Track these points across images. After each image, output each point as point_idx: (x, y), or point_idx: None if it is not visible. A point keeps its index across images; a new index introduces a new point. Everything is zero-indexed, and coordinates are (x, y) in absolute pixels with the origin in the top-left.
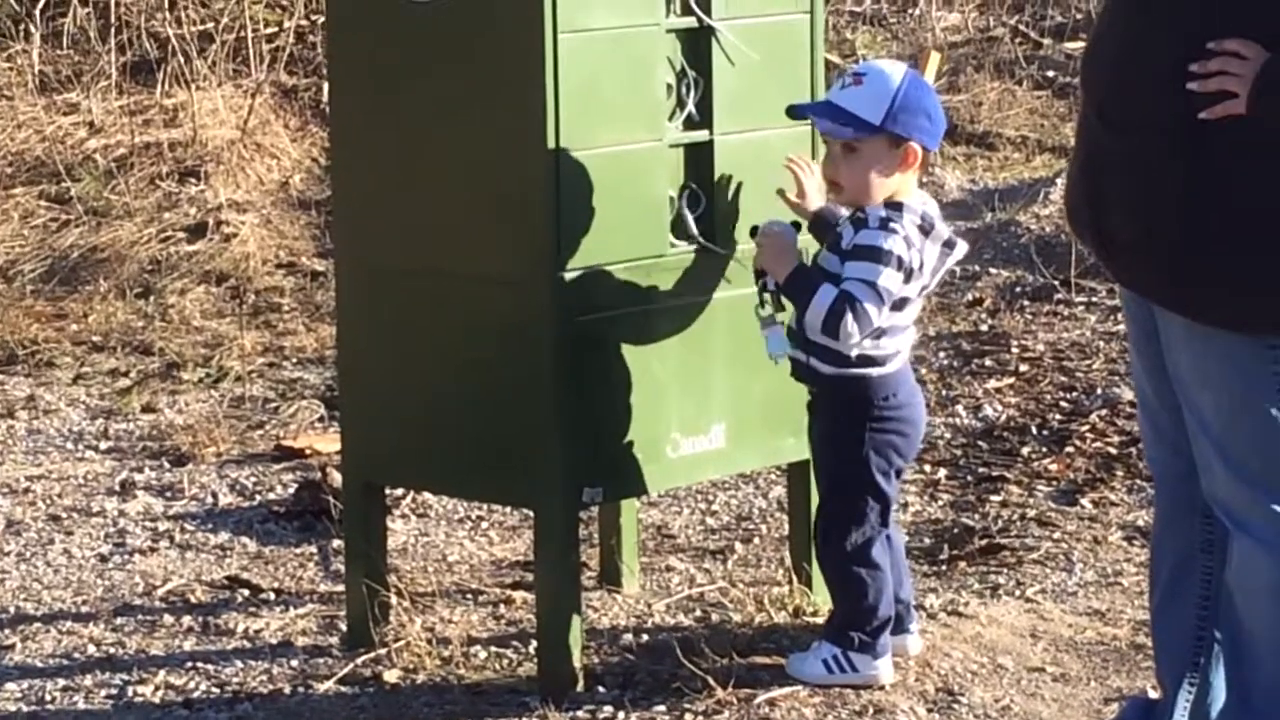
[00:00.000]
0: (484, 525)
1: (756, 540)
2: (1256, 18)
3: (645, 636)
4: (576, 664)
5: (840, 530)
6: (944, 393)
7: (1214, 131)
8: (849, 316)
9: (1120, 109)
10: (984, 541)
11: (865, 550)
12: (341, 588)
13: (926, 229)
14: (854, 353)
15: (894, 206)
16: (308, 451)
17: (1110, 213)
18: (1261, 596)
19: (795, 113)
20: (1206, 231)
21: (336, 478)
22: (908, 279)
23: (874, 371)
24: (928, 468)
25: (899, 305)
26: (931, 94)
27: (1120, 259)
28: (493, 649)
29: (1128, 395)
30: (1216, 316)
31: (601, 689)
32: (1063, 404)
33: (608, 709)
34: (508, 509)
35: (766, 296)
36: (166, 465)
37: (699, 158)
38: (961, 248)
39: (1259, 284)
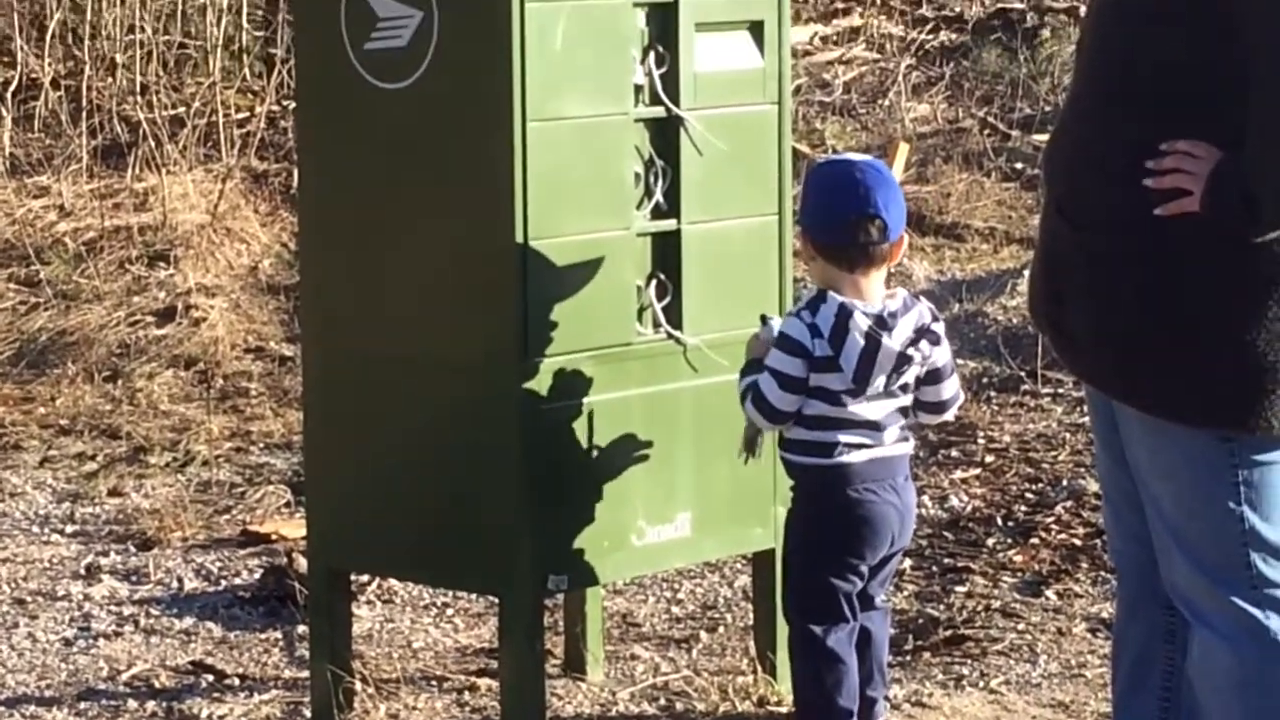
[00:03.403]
0: (449, 612)
1: (721, 629)
2: (1205, 118)
3: None
4: None
5: (796, 619)
6: None
7: (1168, 229)
8: (749, 402)
9: (1076, 205)
10: (948, 632)
11: (821, 640)
12: (306, 674)
13: (842, 323)
14: (768, 430)
15: (816, 297)
16: (274, 537)
17: (1068, 307)
18: (1221, 689)
19: None
20: (1162, 328)
21: (302, 563)
22: (815, 368)
23: (812, 460)
24: None
25: (820, 395)
26: (817, 187)
27: (1078, 353)
28: None
29: (1093, 487)
30: (1173, 412)
31: None
32: (1028, 495)
33: None
34: (473, 596)
35: None
36: (132, 549)
37: (666, 246)
38: (890, 349)
39: (1215, 380)
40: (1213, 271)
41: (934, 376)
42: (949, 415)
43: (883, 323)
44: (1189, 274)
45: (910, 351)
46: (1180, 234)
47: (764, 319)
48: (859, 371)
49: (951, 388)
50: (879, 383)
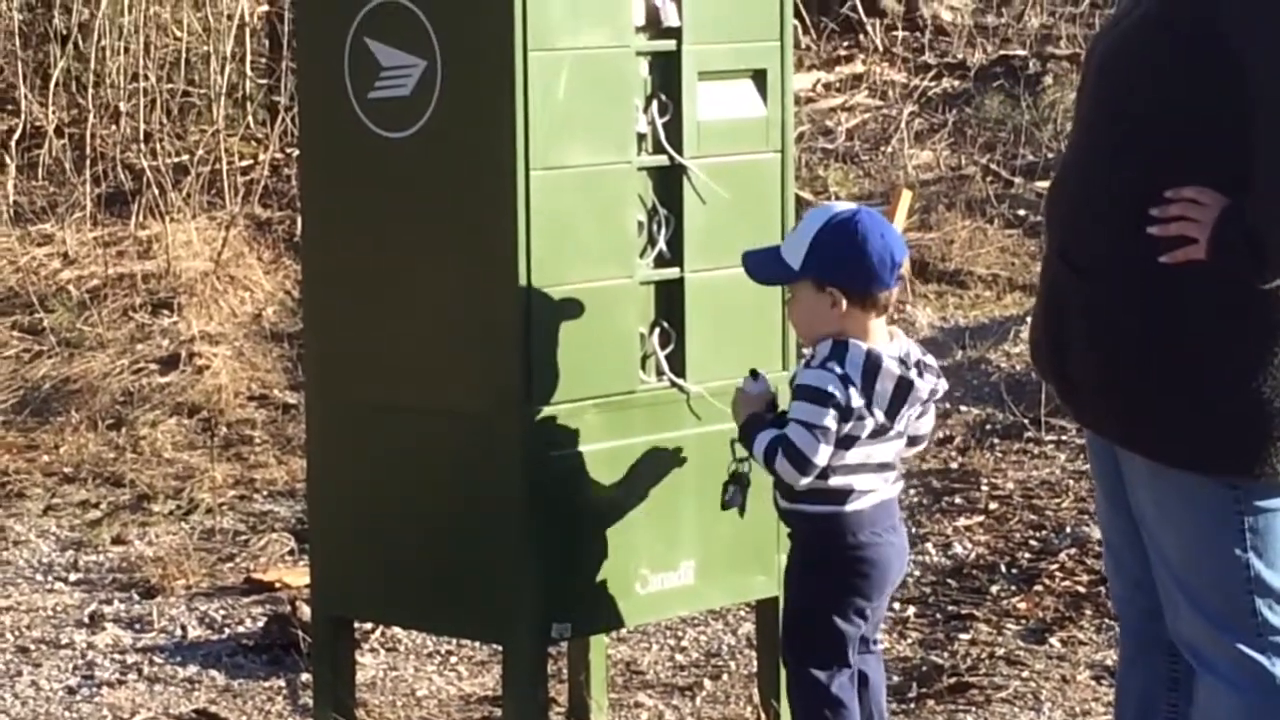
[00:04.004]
0: (453, 660)
1: (725, 677)
2: (1207, 164)
3: None
4: None
5: (800, 664)
6: (913, 530)
7: (1170, 275)
8: (780, 457)
9: (1078, 251)
10: (953, 680)
11: (825, 686)
12: None
13: (872, 370)
14: (798, 486)
15: (838, 346)
16: (277, 585)
17: (1070, 353)
18: None
19: (744, 262)
20: (1165, 374)
21: (306, 611)
22: (846, 418)
23: (826, 508)
24: (897, 605)
25: (845, 444)
26: (859, 237)
27: (1080, 399)
28: None
29: (1097, 534)
30: (1177, 457)
31: None
32: (1032, 542)
33: None
34: (477, 643)
35: (737, 448)
36: (136, 597)
37: (670, 295)
38: (923, 387)
39: (1219, 426)
40: (1216, 318)
41: (923, 409)
42: (922, 448)
43: (904, 363)
44: (1191, 320)
45: (935, 386)
46: (1182, 280)
47: (755, 373)
48: (889, 413)
49: (932, 419)
50: (902, 423)
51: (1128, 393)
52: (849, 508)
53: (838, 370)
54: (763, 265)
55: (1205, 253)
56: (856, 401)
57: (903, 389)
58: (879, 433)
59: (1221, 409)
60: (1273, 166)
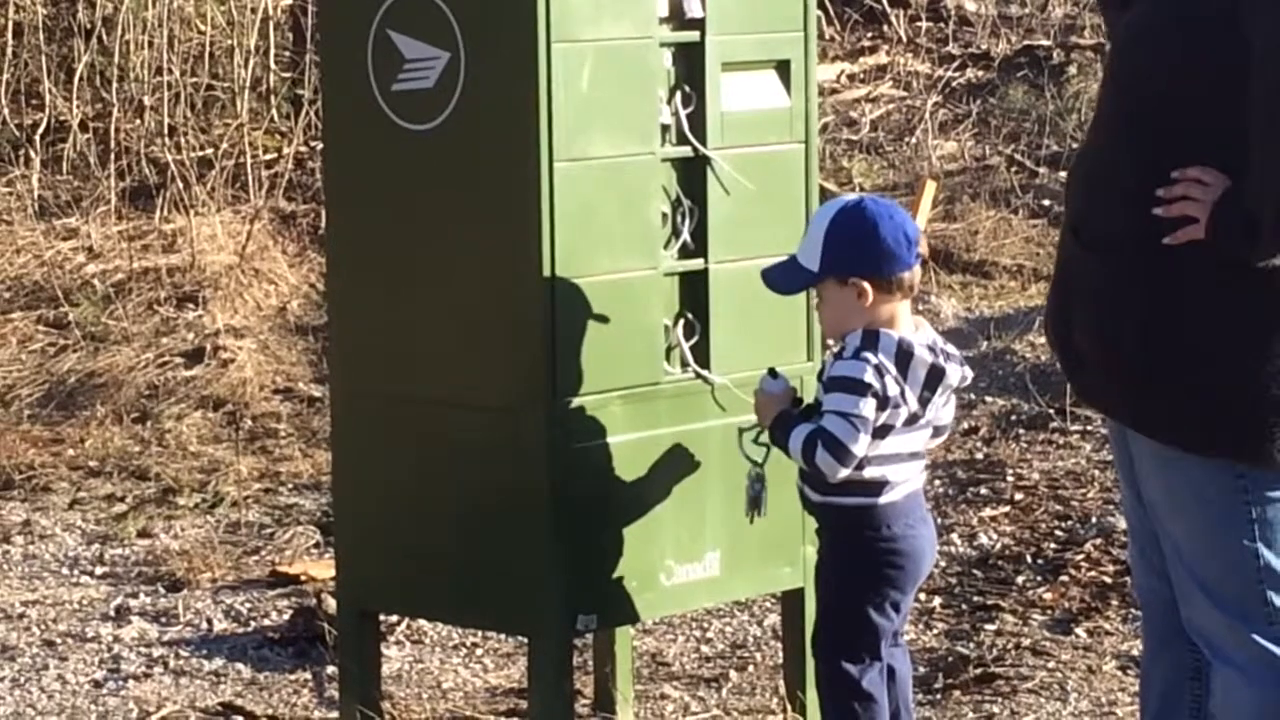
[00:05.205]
0: (479, 652)
1: (751, 668)
2: (1211, 144)
3: None
4: None
5: (831, 658)
6: (939, 521)
7: (1176, 255)
8: (820, 449)
9: (1091, 228)
10: (979, 670)
11: (857, 680)
12: (336, 715)
13: (905, 358)
14: (836, 478)
15: (870, 336)
16: (303, 577)
17: (1078, 330)
18: None
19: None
20: (1168, 353)
21: (332, 604)
22: (883, 407)
23: (861, 500)
24: (923, 596)
25: (880, 433)
26: (869, 222)
27: (1086, 376)
28: None
29: (1122, 524)
30: (1179, 438)
31: None
32: (1057, 533)
33: None
34: (502, 636)
35: (754, 444)
36: (162, 591)
37: (694, 286)
38: (954, 374)
39: (1220, 407)
40: (1219, 300)
41: (948, 397)
42: (945, 438)
43: (934, 351)
44: (1195, 302)
45: (964, 373)
46: (1187, 262)
47: (773, 372)
48: (922, 400)
49: (953, 408)
50: (931, 411)
51: (1132, 373)
52: (883, 499)
53: (872, 359)
54: (784, 277)
55: (1205, 231)
56: (893, 389)
57: (934, 376)
58: (911, 421)
59: (1223, 391)
60: (1264, 148)
